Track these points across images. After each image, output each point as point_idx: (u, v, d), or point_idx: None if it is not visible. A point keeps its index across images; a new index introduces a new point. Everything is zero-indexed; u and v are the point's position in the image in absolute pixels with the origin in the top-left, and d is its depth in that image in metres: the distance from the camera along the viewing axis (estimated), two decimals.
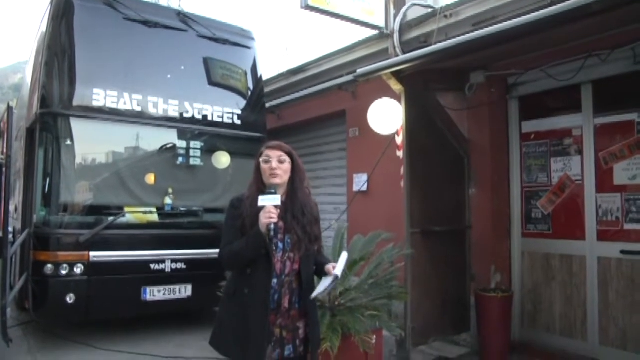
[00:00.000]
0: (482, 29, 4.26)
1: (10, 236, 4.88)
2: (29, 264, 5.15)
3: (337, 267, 2.54)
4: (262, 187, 2.55)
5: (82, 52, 5.53)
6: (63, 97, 5.37)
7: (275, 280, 2.52)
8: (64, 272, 5.06)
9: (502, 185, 5.44)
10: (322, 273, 2.65)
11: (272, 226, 2.42)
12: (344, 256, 2.63)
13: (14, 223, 6.21)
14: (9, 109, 5.26)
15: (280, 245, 2.55)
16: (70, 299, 5.05)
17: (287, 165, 2.59)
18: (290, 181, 2.62)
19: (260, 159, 2.60)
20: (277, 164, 2.55)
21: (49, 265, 5.02)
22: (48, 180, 5.29)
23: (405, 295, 4.34)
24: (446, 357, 5.06)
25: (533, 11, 3.73)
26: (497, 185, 5.42)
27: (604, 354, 4.53)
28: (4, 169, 5.08)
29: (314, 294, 2.52)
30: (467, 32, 4.38)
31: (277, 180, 2.54)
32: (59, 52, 5.49)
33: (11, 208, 6.49)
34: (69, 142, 5.39)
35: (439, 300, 4.98)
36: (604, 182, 4.68)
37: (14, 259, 5.46)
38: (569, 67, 4.76)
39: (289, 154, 2.61)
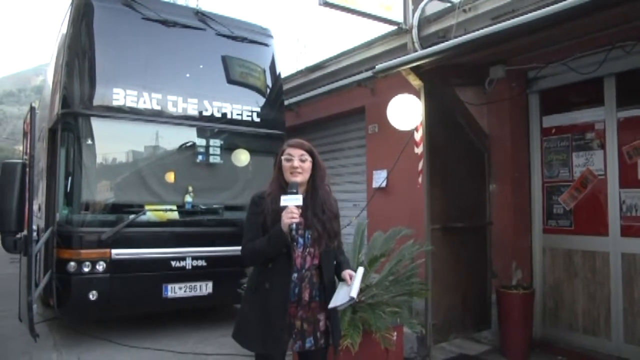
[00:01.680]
0: (501, 22, 4.21)
1: (35, 234, 4.95)
2: (53, 262, 5.25)
3: (354, 285, 2.51)
4: (284, 184, 2.60)
5: (102, 52, 5.59)
6: (84, 97, 5.44)
7: (295, 275, 2.57)
8: (86, 270, 5.13)
9: (522, 180, 5.38)
10: (340, 273, 2.68)
11: (294, 226, 2.45)
12: (360, 271, 2.62)
13: (38, 222, 6.30)
14: (32, 110, 5.33)
15: (301, 240, 2.59)
16: (92, 295, 5.11)
17: (308, 164, 2.63)
18: (310, 179, 2.66)
19: (282, 157, 2.64)
20: (298, 162, 2.59)
21: (72, 263, 5.10)
22: (70, 179, 5.36)
23: (425, 292, 4.31)
24: (467, 354, 5.03)
25: (554, 3, 3.66)
26: (517, 180, 5.35)
27: (629, 352, 4.46)
28: (27, 169, 5.15)
29: (332, 305, 2.52)
30: (486, 26, 4.32)
31: (298, 179, 2.58)
32: (79, 53, 5.57)
33: (35, 207, 6.60)
34: (90, 142, 5.46)
35: (460, 297, 4.94)
36: (628, 177, 4.59)
37: (38, 257, 5.54)
38: (591, 59, 4.68)
39: (310, 153, 2.66)
